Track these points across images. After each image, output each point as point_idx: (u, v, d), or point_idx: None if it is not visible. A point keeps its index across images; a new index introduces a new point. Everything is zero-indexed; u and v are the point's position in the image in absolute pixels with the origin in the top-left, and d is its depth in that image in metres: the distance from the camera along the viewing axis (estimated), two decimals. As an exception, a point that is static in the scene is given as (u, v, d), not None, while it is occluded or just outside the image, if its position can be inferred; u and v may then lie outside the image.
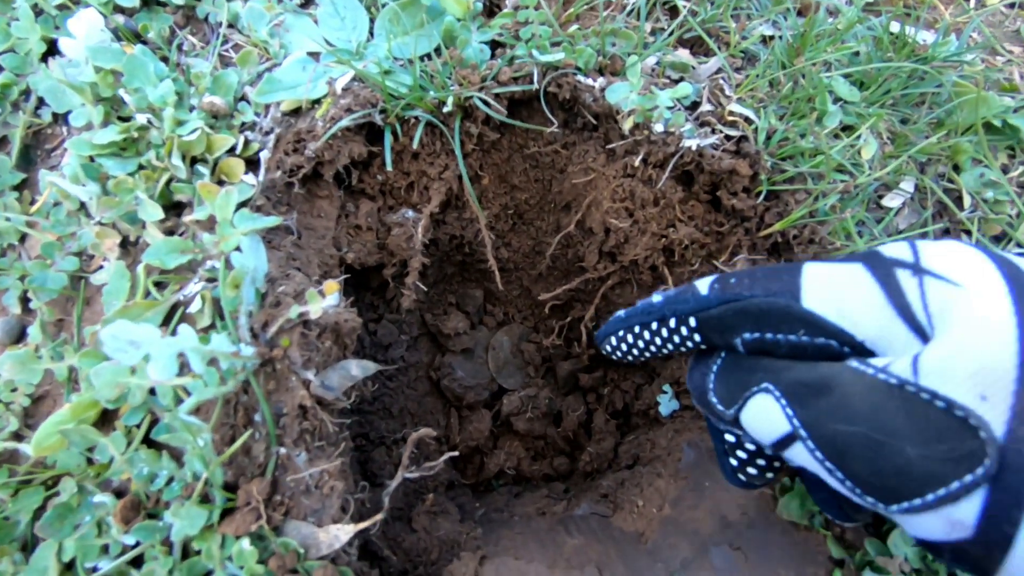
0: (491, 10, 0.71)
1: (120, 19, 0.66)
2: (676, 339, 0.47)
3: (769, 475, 0.47)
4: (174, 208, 0.60)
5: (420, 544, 0.66)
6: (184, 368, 0.48)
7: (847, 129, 0.66)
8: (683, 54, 0.68)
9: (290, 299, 0.52)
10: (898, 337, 0.37)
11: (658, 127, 0.62)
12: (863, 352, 0.38)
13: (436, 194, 0.68)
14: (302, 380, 0.49)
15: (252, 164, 0.61)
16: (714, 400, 0.44)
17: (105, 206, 0.57)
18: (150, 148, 0.60)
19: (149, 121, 0.59)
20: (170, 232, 0.59)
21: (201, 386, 0.47)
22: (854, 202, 0.63)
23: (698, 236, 0.67)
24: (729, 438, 0.47)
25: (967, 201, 0.66)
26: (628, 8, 0.70)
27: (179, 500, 0.48)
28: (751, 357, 0.43)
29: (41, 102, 0.65)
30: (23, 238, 0.62)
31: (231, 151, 0.61)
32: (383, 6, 0.66)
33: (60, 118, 0.65)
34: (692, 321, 0.46)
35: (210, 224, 0.57)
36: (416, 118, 0.63)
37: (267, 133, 0.62)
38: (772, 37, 0.71)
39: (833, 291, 0.40)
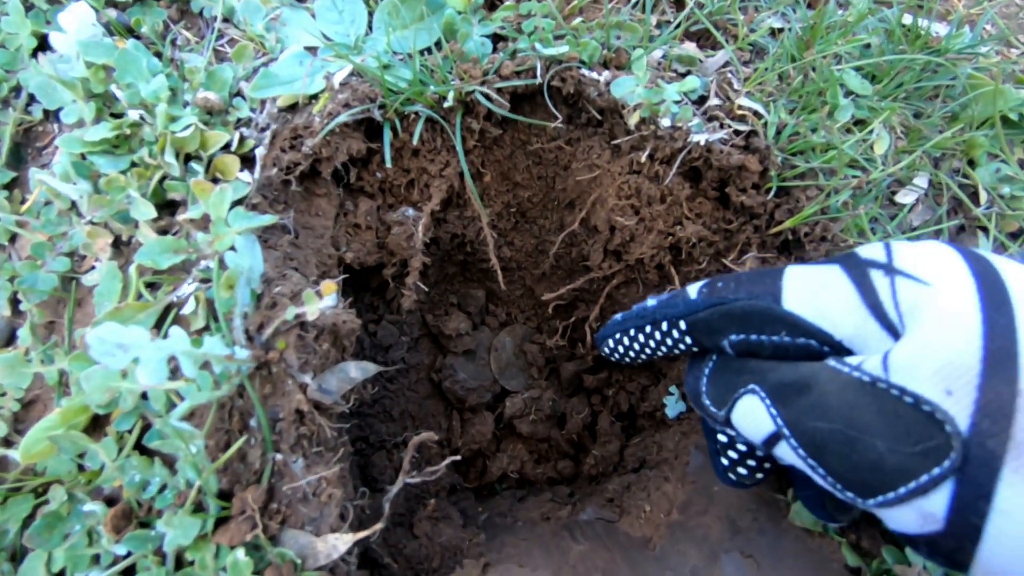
0: (492, 3, 0.69)
1: (112, 13, 0.64)
2: (669, 341, 0.49)
3: (759, 475, 0.48)
4: (168, 207, 0.59)
5: (422, 551, 0.65)
6: (177, 372, 0.46)
7: (859, 123, 0.65)
8: (690, 47, 0.67)
9: (287, 300, 0.51)
10: (872, 335, 0.38)
11: (665, 122, 0.60)
12: (842, 351, 0.39)
13: (437, 192, 0.67)
14: (299, 384, 0.48)
15: (248, 161, 0.59)
16: (707, 402, 0.45)
17: (96, 205, 0.55)
18: (143, 145, 0.58)
19: (142, 117, 0.58)
20: (163, 231, 0.57)
21: (194, 390, 0.45)
22: (867, 198, 0.61)
23: (706, 234, 0.65)
24: (722, 438, 0.48)
25: (983, 197, 0.64)
26: (633, 0, 0.68)
27: (172, 508, 0.46)
28: (739, 359, 0.44)
29: (32, 99, 0.63)
30: (13, 238, 0.60)
31: (226, 148, 0.59)
32: (382, -1, 0.65)
33: (51, 115, 0.64)
34: (682, 324, 0.48)
35: (204, 223, 0.55)
36: (416, 113, 0.62)
37: (263, 129, 0.60)
38: (781, 29, 0.69)
39: (811, 292, 0.41)
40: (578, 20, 0.65)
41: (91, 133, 0.57)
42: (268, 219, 0.52)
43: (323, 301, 0.48)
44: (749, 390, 0.41)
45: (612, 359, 0.56)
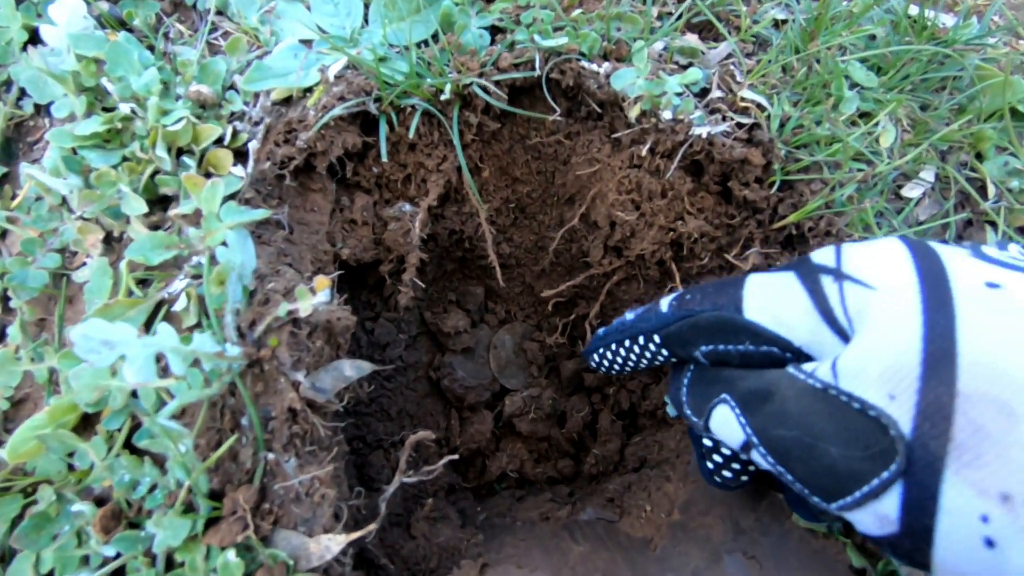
0: (491, -5, 0.68)
1: (104, 6, 0.63)
2: (648, 354, 0.51)
3: (744, 477, 0.49)
4: (160, 202, 0.58)
5: (419, 551, 0.64)
6: (168, 370, 0.45)
7: (864, 116, 0.63)
8: (692, 39, 0.65)
9: (280, 296, 0.50)
10: (827, 341, 0.39)
11: (666, 114, 0.59)
12: (802, 356, 0.40)
13: (434, 187, 0.66)
14: (291, 382, 0.47)
15: (241, 156, 0.58)
16: (688, 412, 0.47)
17: (86, 200, 0.55)
18: (134, 139, 0.57)
19: (133, 111, 0.57)
20: (155, 227, 0.56)
21: (184, 388, 0.44)
22: (873, 192, 0.60)
23: (708, 229, 0.64)
24: (706, 442, 0.49)
25: (991, 191, 0.63)
26: (634, -9, 0.67)
27: (162, 509, 0.45)
28: (713, 368, 0.45)
29: (23, 93, 0.62)
30: (3, 234, 0.59)
31: (219, 142, 0.58)
32: (378, -10, 0.64)
33: (42, 109, 0.63)
34: (656, 338, 0.49)
35: (197, 218, 0.54)
36: (413, 107, 0.61)
37: (256, 123, 0.59)
38: (785, 21, 0.68)
39: (769, 301, 0.43)
40: (578, 11, 0.63)
41: (82, 127, 0.56)
42: (260, 214, 0.51)
43: (316, 297, 0.47)
44: (721, 400, 0.42)
45: (601, 371, 0.58)
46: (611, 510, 0.69)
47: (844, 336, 0.38)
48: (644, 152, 0.62)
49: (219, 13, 0.66)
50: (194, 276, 0.52)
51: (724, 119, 0.60)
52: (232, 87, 0.61)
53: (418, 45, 0.62)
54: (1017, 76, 0.64)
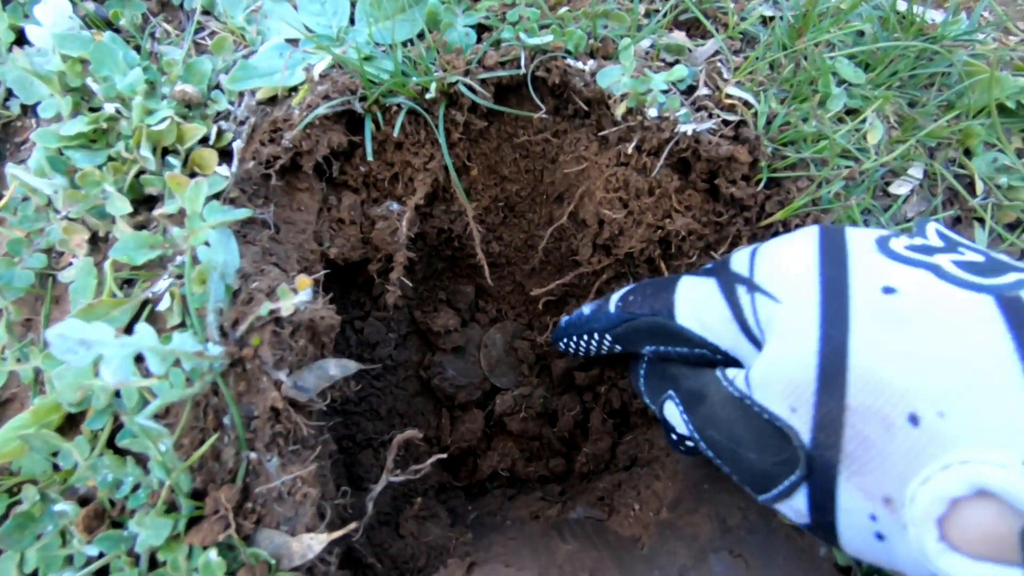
0: (478, -7, 0.68)
1: (90, 6, 0.63)
2: (605, 347, 0.55)
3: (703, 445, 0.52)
4: (145, 202, 0.58)
5: (407, 550, 0.64)
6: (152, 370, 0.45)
7: (852, 112, 0.63)
8: (679, 36, 0.65)
9: (263, 296, 0.50)
10: (745, 349, 0.42)
11: (652, 112, 0.59)
12: (730, 360, 0.43)
13: (421, 186, 0.66)
14: (274, 381, 0.47)
15: (226, 155, 0.58)
16: (647, 400, 0.51)
17: (71, 200, 0.55)
18: (120, 139, 0.57)
19: (118, 111, 0.57)
20: (141, 227, 0.56)
21: (166, 388, 0.45)
22: (860, 189, 0.60)
23: (696, 227, 0.63)
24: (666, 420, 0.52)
25: (979, 187, 0.63)
26: (621, -11, 0.67)
27: (144, 508, 0.45)
28: (662, 364, 0.49)
29: (10, 93, 0.62)
30: (-10, 235, 0.59)
31: (204, 142, 0.58)
32: (364, -11, 0.64)
33: (29, 109, 0.63)
34: (608, 336, 0.53)
35: (181, 218, 0.54)
36: (398, 105, 0.61)
37: (241, 123, 0.59)
38: (772, 17, 0.67)
39: (695, 308, 0.45)
40: (564, 9, 0.63)
41: (67, 127, 0.56)
42: (243, 213, 0.51)
43: (298, 296, 0.47)
44: (668, 396, 0.46)
45: (570, 356, 0.62)
46: (601, 509, 0.69)
47: (759, 345, 0.40)
48: (630, 150, 0.62)
49: (206, 13, 0.66)
50: (178, 276, 0.52)
51: (710, 116, 0.60)
52: (218, 87, 0.61)
53: (404, 44, 0.62)
54: (1005, 72, 0.64)
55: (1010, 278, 0.33)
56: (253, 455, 0.46)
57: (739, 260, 0.44)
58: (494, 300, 0.86)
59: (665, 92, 0.59)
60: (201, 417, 0.48)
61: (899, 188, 0.62)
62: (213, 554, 0.43)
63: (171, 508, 0.45)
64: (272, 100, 0.61)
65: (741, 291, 0.41)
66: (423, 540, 0.65)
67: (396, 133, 0.60)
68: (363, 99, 0.60)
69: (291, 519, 0.46)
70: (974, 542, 0.28)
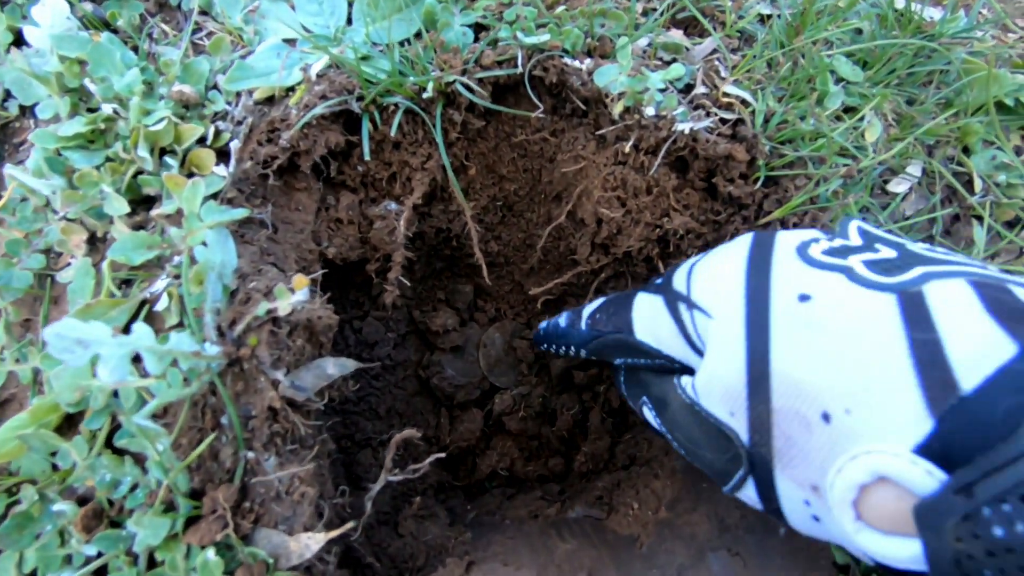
0: (475, -8, 0.68)
1: (88, 7, 0.63)
2: (581, 357, 0.60)
3: None
4: (144, 202, 0.58)
5: (406, 550, 0.64)
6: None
7: (850, 111, 0.63)
8: (676, 35, 0.65)
9: (261, 296, 0.50)
10: (693, 360, 0.45)
11: (649, 111, 0.59)
12: (686, 368, 0.46)
13: (419, 185, 0.66)
14: (271, 380, 0.47)
15: (224, 155, 0.58)
16: (630, 403, 0.54)
17: (69, 201, 0.55)
18: (117, 140, 0.57)
19: (115, 111, 0.57)
20: (139, 227, 0.56)
21: (164, 387, 0.45)
22: (857, 187, 0.60)
23: (694, 225, 0.63)
24: None
25: (978, 185, 0.63)
26: (618, -13, 0.67)
27: (142, 508, 0.45)
28: (635, 372, 0.53)
29: (8, 94, 0.63)
30: (-11, 235, 0.59)
31: (202, 142, 0.58)
32: (361, -11, 0.64)
33: (27, 110, 0.63)
34: (583, 351, 0.58)
35: (179, 218, 0.54)
36: (395, 105, 0.61)
37: (239, 123, 0.59)
38: (770, 15, 0.67)
39: (648, 324, 0.49)
40: (561, 8, 0.63)
41: (65, 128, 0.56)
42: (240, 213, 0.51)
43: (295, 296, 0.47)
44: (643, 401, 0.50)
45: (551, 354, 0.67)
46: (600, 508, 0.69)
47: (703, 356, 0.43)
48: (628, 149, 0.62)
49: (203, 13, 0.66)
50: (176, 276, 0.52)
51: (708, 115, 0.60)
52: (215, 87, 0.61)
53: (401, 43, 0.62)
54: (1003, 70, 0.64)
55: (915, 273, 0.35)
56: (251, 454, 0.46)
57: (679, 278, 0.47)
58: (493, 299, 0.86)
59: (662, 91, 0.59)
60: (199, 417, 0.48)
61: (897, 186, 0.62)
62: (211, 553, 0.43)
63: (169, 508, 0.46)
64: (270, 100, 0.61)
65: (682, 308, 0.45)
66: (422, 539, 0.65)
67: (393, 133, 0.60)
68: (360, 99, 0.60)
69: (289, 518, 0.46)
70: (882, 520, 0.31)
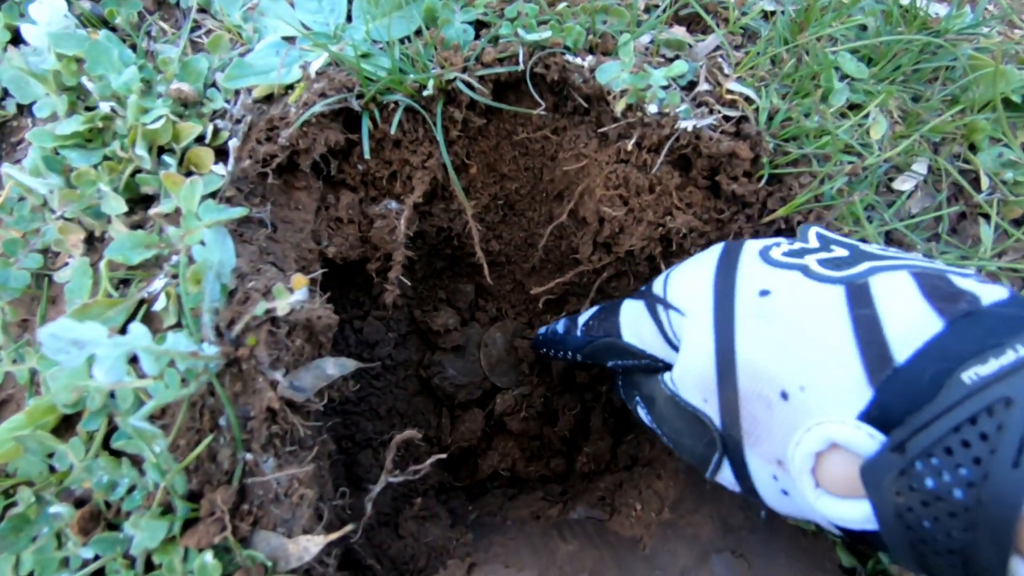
0: (476, -11, 0.67)
1: (86, 4, 0.63)
2: (578, 361, 0.64)
3: None
4: (142, 201, 0.57)
5: (407, 551, 0.63)
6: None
7: (855, 108, 0.62)
8: (679, 31, 0.65)
9: (260, 295, 0.49)
10: (672, 357, 0.49)
11: (652, 108, 0.58)
12: (669, 366, 0.49)
13: (420, 184, 0.65)
14: (270, 381, 0.46)
15: (223, 154, 0.58)
16: (628, 405, 0.57)
17: (66, 200, 0.54)
18: (115, 138, 0.57)
19: (113, 110, 0.56)
20: (137, 226, 0.56)
21: (162, 388, 0.44)
22: (863, 185, 0.59)
23: (697, 224, 0.63)
24: None
25: (985, 183, 0.62)
26: (620, -16, 0.66)
27: (140, 510, 0.45)
28: (628, 374, 0.57)
29: (6, 93, 0.62)
30: (-14, 235, 0.59)
31: (200, 140, 0.58)
32: (361, -14, 0.63)
33: (25, 109, 0.62)
34: (578, 356, 0.62)
35: (177, 217, 0.54)
36: (395, 103, 0.60)
37: (238, 121, 0.58)
38: (774, 12, 0.67)
39: (633, 327, 0.54)
40: (563, 5, 0.63)
41: (63, 127, 0.56)
42: (239, 212, 0.50)
43: (294, 296, 0.46)
44: (636, 402, 0.54)
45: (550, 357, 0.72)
46: (602, 509, 0.69)
47: (679, 351, 0.46)
48: (630, 147, 0.61)
49: (202, 11, 0.65)
50: (174, 275, 0.52)
51: (711, 112, 0.59)
52: (214, 85, 0.61)
53: (402, 41, 0.62)
54: (1010, 66, 0.63)
55: (862, 267, 0.38)
56: (249, 456, 0.46)
57: (658, 283, 0.52)
58: (494, 299, 0.86)
59: (665, 88, 0.59)
60: (197, 418, 0.47)
61: (903, 184, 0.62)
62: (209, 556, 0.43)
63: (167, 510, 0.45)
64: (269, 98, 0.60)
65: (660, 310, 0.49)
66: (423, 541, 0.65)
67: (393, 131, 0.60)
68: (360, 97, 0.59)
69: (288, 521, 0.46)
70: (837, 484, 0.34)
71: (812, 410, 0.35)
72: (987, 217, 0.61)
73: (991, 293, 0.34)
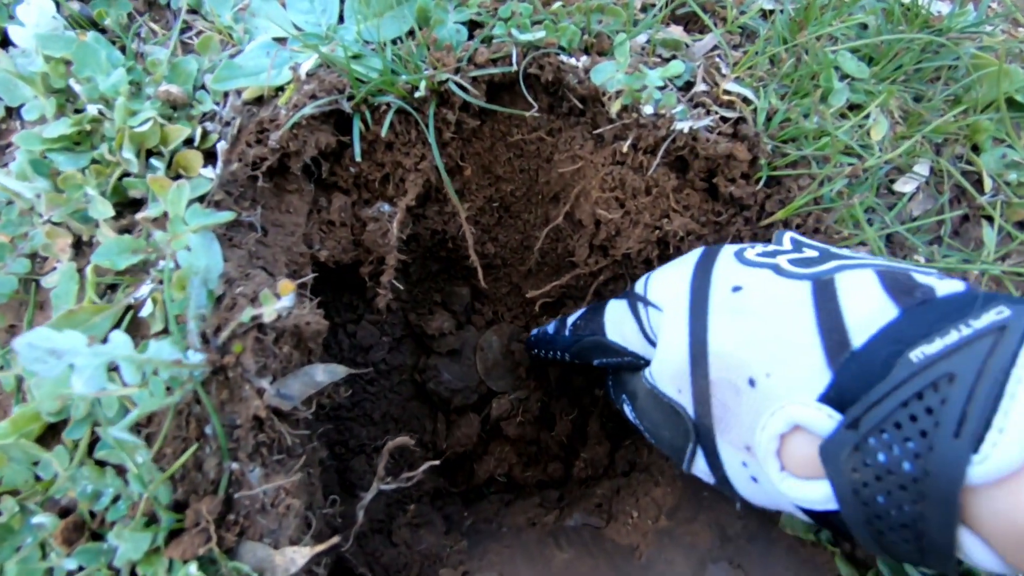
0: (470, -11, 0.66)
1: (75, 6, 0.62)
2: (567, 361, 0.66)
3: None
4: (131, 205, 0.57)
5: (400, 559, 0.62)
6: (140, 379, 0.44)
7: (855, 108, 0.61)
8: (676, 31, 0.63)
9: (247, 301, 0.48)
10: (651, 353, 0.50)
11: (648, 109, 0.57)
12: (650, 362, 0.49)
13: (412, 186, 0.64)
14: (256, 389, 0.45)
15: (212, 157, 0.57)
16: (616, 405, 0.59)
17: (53, 204, 0.53)
18: (103, 141, 0.56)
19: (101, 112, 0.56)
20: (126, 231, 0.55)
21: (146, 396, 0.43)
22: (863, 187, 0.58)
23: (694, 227, 0.62)
24: None
25: (988, 184, 0.61)
26: (616, -17, 0.65)
27: (124, 521, 0.44)
28: (618, 374, 0.59)
29: (-6, 96, 0.61)
30: (-27, 239, 0.58)
31: (189, 143, 0.57)
32: (352, -14, 0.62)
33: (13, 112, 0.62)
34: (567, 355, 0.65)
35: (165, 221, 0.53)
36: (387, 104, 0.59)
37: (227, 123, 0.57)
38: (772, 11, 0.65)
39: (616, 325, 0.56)
40: (558, 4, 0.62)
41: (50, 130, 0.55)
42: (226, 216, 0.49)
43: (281, 302, 0.45)
44: (623, 400, 0.55)
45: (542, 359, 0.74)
46: (599, 515, 0.68)
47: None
48: (626, 148, 0.60)
49: (193, 11, 0.65)
50: (160, 281, 0.51)
51: (708, 113, 0.58)
52: (203, 87, 0.60)
53: (394, 41, 0.61)
54: (1014, 65, 0.62)
55: (829, 265, 0.40)
56: (235, 465, 0.45)
57: (640, 283, 0.54)
58: (490, 302, 0.85)
59: (661, 89, 0.58)
60: (183, 426, 0.47)
61: (904, 186, 0.61)
62: (194, 568, 0.42)
63: (151, 520, 0.44)
64: (259, 100, 0.59)
65: (640, 307, 0.51)
66: (416, 548, 0.64)
67: (384, 133, 0.59)
68: (351, 98, 0.58)
69: (275, 531, 0.45)
70: (800, 465, 0.35)
71: (777, 394, 0.36)
72: (990, 220, 0.60)
73: (948, 287, 0.35)
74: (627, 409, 0.55)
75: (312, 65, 0.58)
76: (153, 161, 0.55)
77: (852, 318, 0.35)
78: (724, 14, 0.65)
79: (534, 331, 0.72)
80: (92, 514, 0.46)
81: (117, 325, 0.51)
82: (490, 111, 0.63)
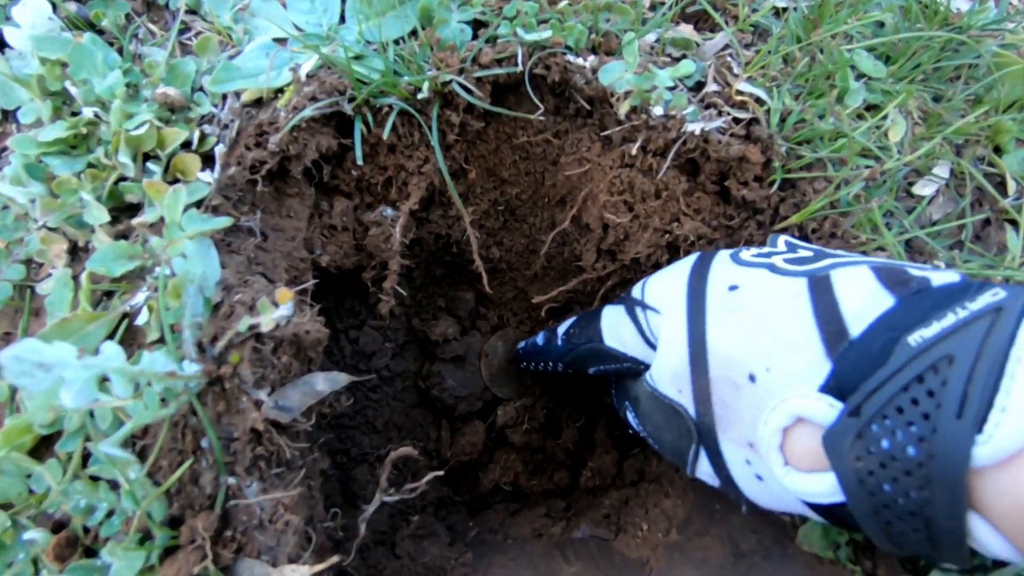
0: (474, -13, 0.65)
1: (72, 7, 0.61)
2: (559, 371, 0.66)
3: None
4: (127, 210, 0.55)
5: (403, 572, 0.61)
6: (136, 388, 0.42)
7: (872, 109, 0.59)
8: (686, 30, 0.62)
9: (245, 309, 0.47)
10: (651, 357, 0.50)
11: (657, 110, 0.56)
12: (649, 366, 0.49)
13: (415, 190, 0.63)
14: (254, 401, 0.44)
15: (210, 160, 0.56)
16: (620, 414, 0.58)
17: (48, 209, 0.52)
18: (100, 145, 0.55)
19: (97, 115, 0.54)
20: (121, 236, 0.54)
21: (140, 409, 0.42)
22: (881, 190, 0.56)
23: (705, 231, 0.60)
24: None
25: (1011, 187, 0.59)
26: (624, -20, 0.63)
27: (118, 537, 0.43)
28: (621, 382, 0.58)
29: (-10, 99, 0.60)
30: (-32, 245, 0.57)
31: (187, 146, 0.55)
32: (354, -15, 0.61)
33: (10, 115, 0.60)
34: (560, 365, 0.65)
35: (162, 227, 0.52)
36: (389, 106, 0.58)
37: (225, 126, 0.56)
38: (786, 8, 0.64)
39: (613, 331, 0.56)
40: (564, 3, 0.60)
41: (45, 133, 0.54)
42: (223, 222, 0.48)
43: (279, 311, 0.44)
44: (626, 407, 0.55)
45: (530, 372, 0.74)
46: (607, 527, 0.66)
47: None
48: (635, 150, 0.59)
49: (192, 12, 0.63)
50: (156, 288, 0.50)
51: (720, 114, 0.57)
52: (201, 89, 0.59)
53: (396, 42, 0.59)
54: (1038, 63, 0.60)
55: (824, 263, 0.40)
56: (232, 480, 0.44)
57: (637, 289, 0.54)
58: (495, 307, 0.83)
59: (671, 89, 0.56)
60: (179, 439, 0.45)
61: (924, 189, 0.59)
62: (188, 587, 0.40)
63: (146, 537, 0.43)
64: (258, 102, 0.58)
65: (638, 311, 0.51)
66: (420, 561, 0.62)
67: (386, 135, 0.57)
68: (352, 100, 0.57)
69: (273, 548, 0.43)
70: (804, 459, 0.35)
71: (778, 388, 0.36)
72: (1014, 223, 0.58)
73: (943, 277, 0.35)
74: (630, 416, 0.54)
75: (312, 66, 0.57)
76: (150, 165, 0.54)
77: (849, 308, 0.35)
78: (736, 12, 0.64)
79: (521, 344, 0.71)
80: (86, 529, 0.45)
81: (112, 334, 0.50)
82: (495, 113, 0.61)
